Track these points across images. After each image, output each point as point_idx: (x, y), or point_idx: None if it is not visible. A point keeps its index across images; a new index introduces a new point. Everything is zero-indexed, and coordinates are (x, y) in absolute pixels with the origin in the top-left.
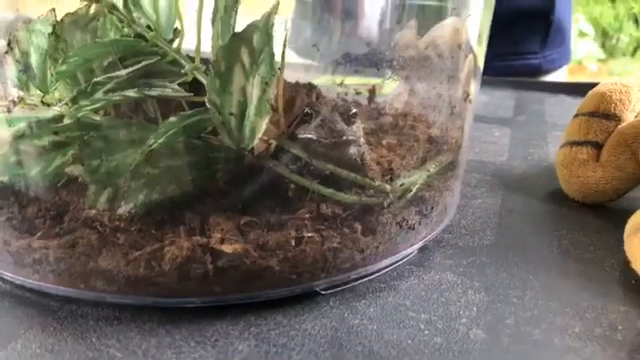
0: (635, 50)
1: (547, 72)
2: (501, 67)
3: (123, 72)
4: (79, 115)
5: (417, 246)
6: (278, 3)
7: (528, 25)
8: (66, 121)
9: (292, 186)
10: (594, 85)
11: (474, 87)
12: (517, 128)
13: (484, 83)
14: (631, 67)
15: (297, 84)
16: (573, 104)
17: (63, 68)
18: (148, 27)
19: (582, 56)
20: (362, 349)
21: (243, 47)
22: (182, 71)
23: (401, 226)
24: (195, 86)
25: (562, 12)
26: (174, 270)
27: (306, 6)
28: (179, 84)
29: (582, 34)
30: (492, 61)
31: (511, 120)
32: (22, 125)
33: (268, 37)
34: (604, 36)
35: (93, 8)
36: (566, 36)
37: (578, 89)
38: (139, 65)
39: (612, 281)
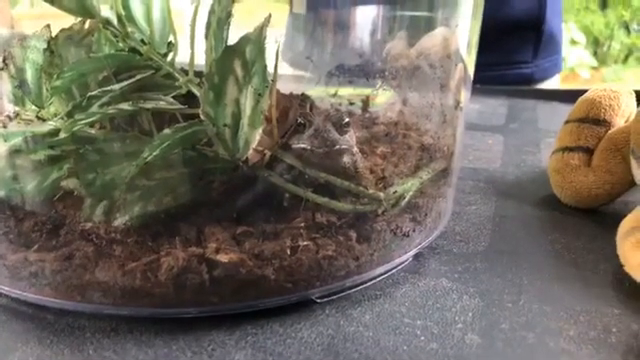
0: (627, 57)
1: (539, 81)
2: (494, 77)
3: (117, 86)
4: (74, 129)
5: (412, 253)
6: (270, 16)
7: (520, 35)
8: (62, 135)
9: (287, 195)
10: (585, 92)
11: (465, 95)
12: (510, 135)
13: (477, 92)
14: (623, 74)
15: (291, 95)
16: (565, 111)
17: (58, 83)
18: (142, 41)
19: (574, 64)
20: (358, 356)
21: (236, 59)
22: (176, 84)
23: (395, 233)
24: (189, 99)
25: (553, 22)
26: (170, 281)
27: (299, 19)
28: (173, 97)
29: (574, 42)
30: (485, 71)
31: (504, 127)
32: (18, 140)
33: (260, 49)
34: (596, 44)
35: (87, 24)
36: (557, 45)
37: (570, 96)
38: (134, 79)
39: (606, 284)
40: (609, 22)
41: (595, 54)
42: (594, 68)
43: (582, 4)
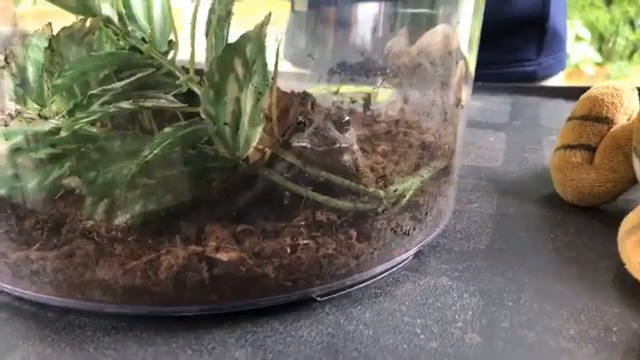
0: (632, 53)
1: (543, 79)
2: (497, 74)
3: (118, 84)
4: (75, 127)
5: (412, 251)
6: (270, 14)
7: (523, 32)
8: (63, 134)
9: (287, 194)
10: (588, 89)
11: (466, 93)
12: (512, 133)
13: (480, 89)
14: (628, 70)
15: (291, 93)
16: (568, 108)
17: (59, 81)
18: (143, 40)
19: (579, 60)
20: (358, 355)
21: (236, 58)
22: (177, 82)
23: (396, 232)
24: (190, 97)
25: (557, 19)
26: (170, 279)
27: (300, 16)
28: (174, 95)
29: (578, 38)
30: (488, 68)
31: (506, 125)
32: (19, 138)
33: (261, 47)
34: (600, 40)
35: (89, 22)
36: (561, 43)
37: (573, 93)
38: (134, 77)
39: (607, 283)
40: (614, 18)
41: (600, 50)
42: (599, 64)
43: (587, 0)
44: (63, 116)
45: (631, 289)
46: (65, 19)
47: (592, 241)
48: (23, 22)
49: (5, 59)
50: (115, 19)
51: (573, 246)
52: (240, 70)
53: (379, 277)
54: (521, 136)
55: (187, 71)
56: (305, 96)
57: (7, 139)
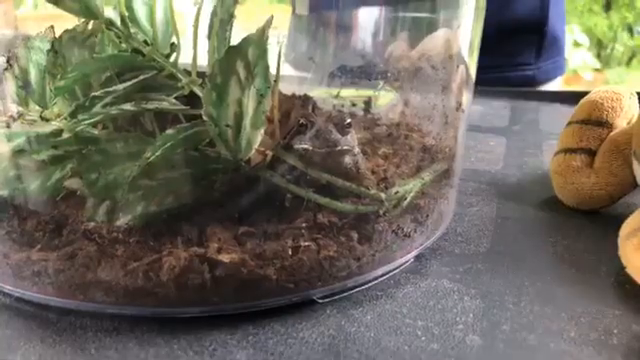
0: (630, 59)
1: (542, 83)
2: (496, 79)
3: (120, 86)
4: (77, 129)
5: (413, 254)
6: (272, 17)
7: (522, 37)
8: (65, 135)
9: (288, 196)
10: (588, 93)
11: (466, 97)
12: (512, 137)
13: (480, 93)
14: (626, 76)
15: (293, 96)
16: (568, 112)
17: (62, 83)
18: (145, 42)
19: (577, 66)
20: (359, 356)
21: (239, 60)
22: (179, 85)
23: (397, 234)
24: (192, 99)
25: (556, 24)
26: (172, 280)
27: (301, 20)
28: (176, 97)
29: (577, 44)
30: (487, 72)
31: (506, 129)
32: (21, 140)
33: (263, 50)
34: (599, 46)
35: (91, 24)
36: (560, 47)
37: (572, 98)
38: (136, 79)
39: (607, 286)
40: (612, 24)
41: (598, 56)
42: (597, 70)
43: (585, 6)
44: (65, 118)
45: (631, 292)
46: (67, 21)
47: (592, 244)
48: (25, 25)
49: (8, 61)
50: (117, 22)
51: (573, 249)
52: (242, 72)
53: (380, 279)
54: (521, 140)
55: (189, 73)
56: (306, 99)
57: (9, 141)
